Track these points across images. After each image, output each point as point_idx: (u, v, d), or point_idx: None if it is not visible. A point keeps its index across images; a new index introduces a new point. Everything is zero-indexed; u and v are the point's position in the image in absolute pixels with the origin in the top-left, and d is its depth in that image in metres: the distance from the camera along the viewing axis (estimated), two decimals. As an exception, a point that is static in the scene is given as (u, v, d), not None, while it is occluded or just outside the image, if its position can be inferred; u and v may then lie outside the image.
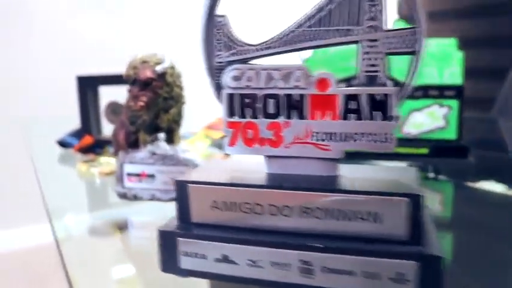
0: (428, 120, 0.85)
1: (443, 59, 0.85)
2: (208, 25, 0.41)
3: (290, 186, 0.37)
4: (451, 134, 0.85)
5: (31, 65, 2.13)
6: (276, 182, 0.39)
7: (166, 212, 0.61)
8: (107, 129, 1.08)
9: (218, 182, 0.39)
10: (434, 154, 0.85)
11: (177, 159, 0.61)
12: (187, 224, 0.40)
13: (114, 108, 1.04)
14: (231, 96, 0.41)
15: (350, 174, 0.41)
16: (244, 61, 0.41)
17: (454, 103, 0.84)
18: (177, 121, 0.66)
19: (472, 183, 0.82)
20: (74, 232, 0.65)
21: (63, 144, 1.04)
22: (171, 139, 0.67)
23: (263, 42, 0.40)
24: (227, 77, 0.40)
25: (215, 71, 0.41)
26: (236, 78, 0.40)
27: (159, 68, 0.60)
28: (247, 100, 0.40)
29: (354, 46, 0.39)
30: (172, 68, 0.62)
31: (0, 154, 2.08)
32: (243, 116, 0.41)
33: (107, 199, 0.76)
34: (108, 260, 0.56)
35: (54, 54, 2.15)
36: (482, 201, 0.72)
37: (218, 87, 0.41)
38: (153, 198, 0.62)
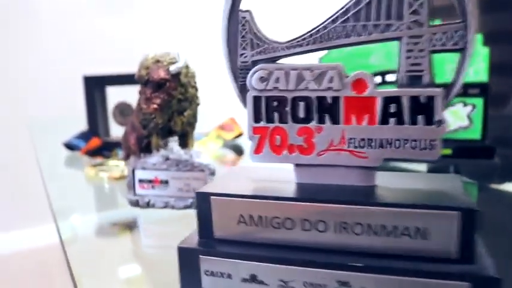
0: (451, 119, 0.82)
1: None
2: (231, 21, 0.37)
3: (326, 199, 0.34)
4: (475, 134, 0.81)
5: (36, 65, 2.10)
6: (309, 193, 0.36)
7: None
8: (115, 131, 1.05)
9: (244, 194, 0.36)
10: (457, 155, 0.81)
11: (192, 164, 0.58)
12: (209, 240, 0.37)
13: (122, 109, 1.00)
14: (257, 99, 0.37)
15: (387, 183, 0.37)
16: (272, 60, 0.37)
17: (479, 101, 0.80)
18: (191, 124, 0.62)
19: (497, 184, 0.78)
20: (81, 234, 0.62)
21: (69, 146, 1.01)
22: (184, 143, 0.63)
23: (293, 40, 0.36)
24: (253, 78, 0.37)
25: (239, 72, 0.38)
26: (263, 80, 0.36)
27: (173, 68, 0.56)
28: (275, 103, 0.37)
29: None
30: (187, 67, 0.59)
31: (8, 156, 2.05)
32: (270, 120, 0.37)
33: (117, 205, 0.73)
34: (115, 261, 0.54)
35: (60, 53, 2.12)
36: (509, 204, 0.69)
37: (242, 89, 0.38)
38: (166, 206, 0.59)
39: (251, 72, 0.37)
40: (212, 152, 0.97)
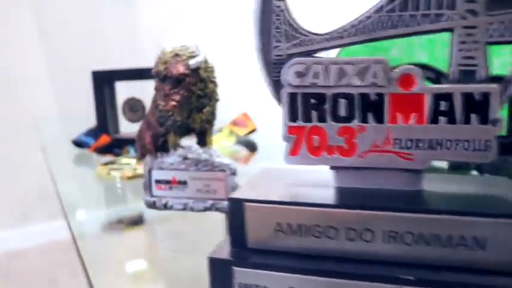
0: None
1: (492, 48, 0.78)
2: (265, 11, 0.34)
3: (374, 205, 0.31)
4: (500, 130, 0.78)
5: (43, 61, 2.07)
6: (354, 199, 0.33)
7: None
8: (125, 127, 1.02)
9: (282, 201, 0.33)
10: (482, 151, 0.78)
11: (212, 164, 0.55)
12: (243, 250, 0.34)
13: (132, 105, 0.98)
14: (293, 96, 0.34)
15: (435, 187, 0.34)
16: (310, 53, 0.34)
17: (505, 96, 0.77)
18: (210, 121, 0.59)
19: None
20: (96, 234, 0.60)
21: (78, 144, 0.98)
22: (203, 141, 0.60)
23: (333, 31, 0.33)
24: (288, 73, 0.34)
25: (273, 66, 0.35)
26: (300, 75, 0.34)
27: (193, 62, 0.53)
28: (313, 101, 0.34)
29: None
30: (206, 61, 0.56)
31: (15, 153, 2.03)
32: (307, 119, 0.34)
33: (132, 206, 0.70)
34: (130, 262, 0.53)
35: (67, 48, 2.08)
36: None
37: (276, 86, 0.35)
38: (185, 208, 0.56)
39: (286, 66, 0.34)
40: (224, 149, 0.94)
